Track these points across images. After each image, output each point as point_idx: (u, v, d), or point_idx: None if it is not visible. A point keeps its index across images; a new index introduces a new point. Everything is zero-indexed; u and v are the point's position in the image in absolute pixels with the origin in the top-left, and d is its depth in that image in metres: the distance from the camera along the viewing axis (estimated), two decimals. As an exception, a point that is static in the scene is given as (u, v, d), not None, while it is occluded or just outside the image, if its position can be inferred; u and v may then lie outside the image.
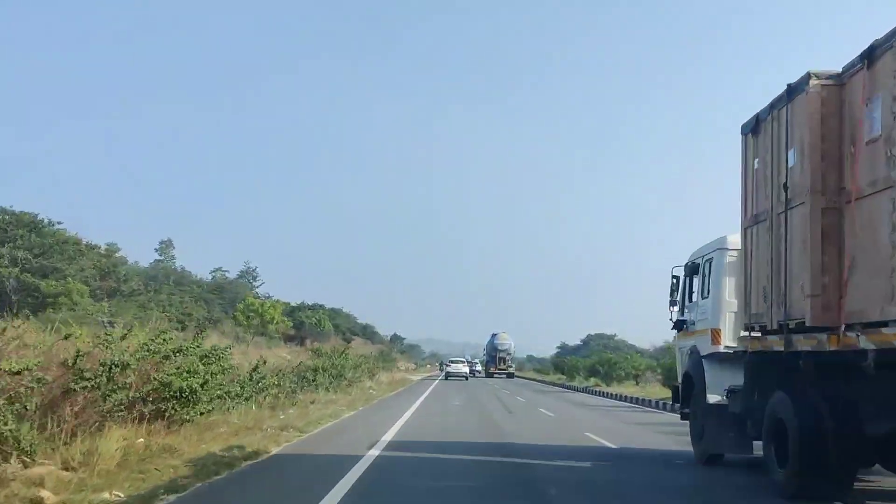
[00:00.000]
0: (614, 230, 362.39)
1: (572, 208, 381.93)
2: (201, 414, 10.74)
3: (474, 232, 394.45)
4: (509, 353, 71.02)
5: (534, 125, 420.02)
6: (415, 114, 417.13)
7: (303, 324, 61.68)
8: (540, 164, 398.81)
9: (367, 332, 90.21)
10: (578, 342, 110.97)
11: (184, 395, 10.03)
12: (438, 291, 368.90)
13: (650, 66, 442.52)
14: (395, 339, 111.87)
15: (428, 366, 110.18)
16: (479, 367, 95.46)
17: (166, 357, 10.23)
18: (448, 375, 55.69)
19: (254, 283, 71.82)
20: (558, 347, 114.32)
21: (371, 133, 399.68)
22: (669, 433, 14.65)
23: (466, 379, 54.67)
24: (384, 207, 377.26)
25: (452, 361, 63.33)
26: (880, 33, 6.30)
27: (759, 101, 8.48)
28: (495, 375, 67.40)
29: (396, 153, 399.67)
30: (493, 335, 71.55)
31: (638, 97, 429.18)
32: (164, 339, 10.44)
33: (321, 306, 69.98)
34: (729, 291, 10.08)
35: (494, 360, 70.17)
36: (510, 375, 68.65)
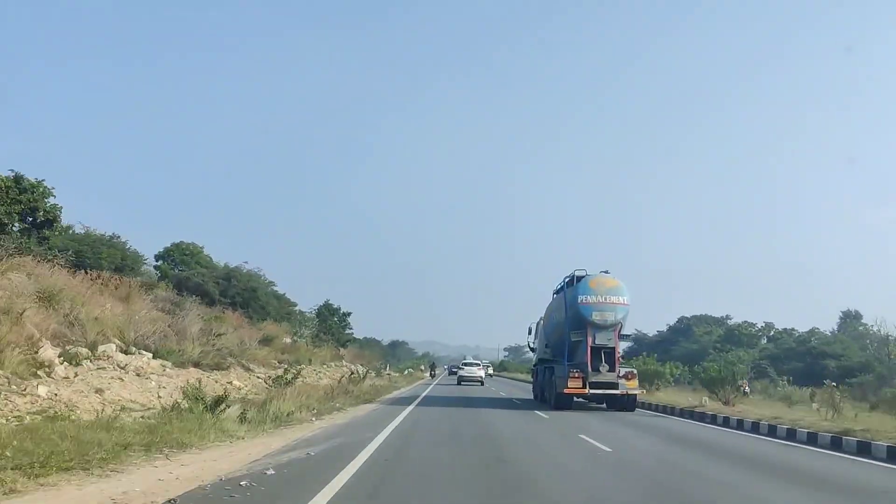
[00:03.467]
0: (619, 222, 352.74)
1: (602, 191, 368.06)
2: None
3: (474, 235, 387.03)
4: (622, 330, 24.16)
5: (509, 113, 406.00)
6: (414, 113, 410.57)
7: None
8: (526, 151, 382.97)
9: (281, 309, 47.00)
10: (663, 329, 79.76)
11: None
12: (437, 293, 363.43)
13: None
14: (334, 313, 61.14)
15: (408, 370, 73.11)
16: (490, 370, 77.03)
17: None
18: (461, 380, 51.45)
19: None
20: (631, 340, 69.15)
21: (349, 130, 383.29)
22: None
23: (482, 384, 50.71)
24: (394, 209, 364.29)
25: (466, 364, 57.89)
26: None
27: None
28: (583, 398, 23.94)
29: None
30: (576, 280, 23.94)
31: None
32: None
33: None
34: None
35: (577, 357, 23.67)
36: (630, 403, 23.49)
